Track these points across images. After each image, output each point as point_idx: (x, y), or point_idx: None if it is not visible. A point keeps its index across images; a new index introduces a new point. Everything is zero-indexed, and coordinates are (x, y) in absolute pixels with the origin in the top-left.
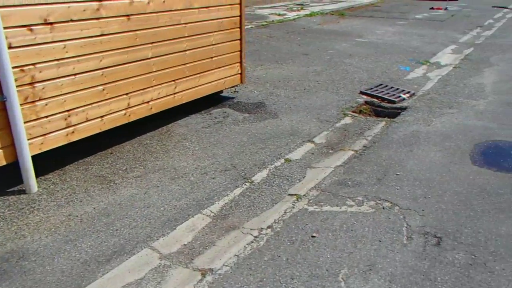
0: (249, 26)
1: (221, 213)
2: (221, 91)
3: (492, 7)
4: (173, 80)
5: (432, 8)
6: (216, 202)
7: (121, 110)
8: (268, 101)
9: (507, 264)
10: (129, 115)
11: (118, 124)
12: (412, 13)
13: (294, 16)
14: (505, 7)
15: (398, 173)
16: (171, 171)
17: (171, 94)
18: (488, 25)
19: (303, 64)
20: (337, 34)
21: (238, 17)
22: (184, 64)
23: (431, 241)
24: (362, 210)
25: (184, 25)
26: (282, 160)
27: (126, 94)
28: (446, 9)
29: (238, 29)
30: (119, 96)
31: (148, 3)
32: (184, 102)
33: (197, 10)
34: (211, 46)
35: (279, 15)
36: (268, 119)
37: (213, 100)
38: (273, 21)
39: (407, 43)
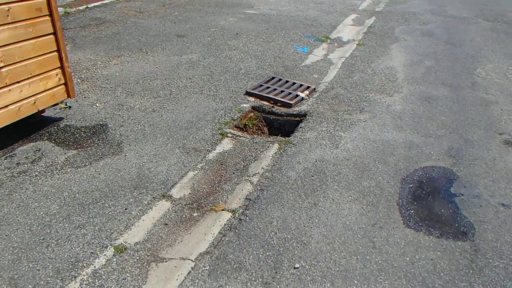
0: None
1: None
2: (43, 111)
3: None
4: None
5: None
6: None
7: None
8: (114, 120)
9: None
10: None
11: None
12: None
13: None
14: None
15: (297, 265)
16: None
17: None
18: None
19: (176, 52)
20: (223, 5)
21: (44, 1)
22: None
23: None
24: None
25: None
26: (110, 252)
27: None
28: None
29: (47, 18)
30: None
31: None
32: None
33: None
34: None
35: None
36: (105, 157)
37: (29, 127)
38: None
39: (303, 14)
